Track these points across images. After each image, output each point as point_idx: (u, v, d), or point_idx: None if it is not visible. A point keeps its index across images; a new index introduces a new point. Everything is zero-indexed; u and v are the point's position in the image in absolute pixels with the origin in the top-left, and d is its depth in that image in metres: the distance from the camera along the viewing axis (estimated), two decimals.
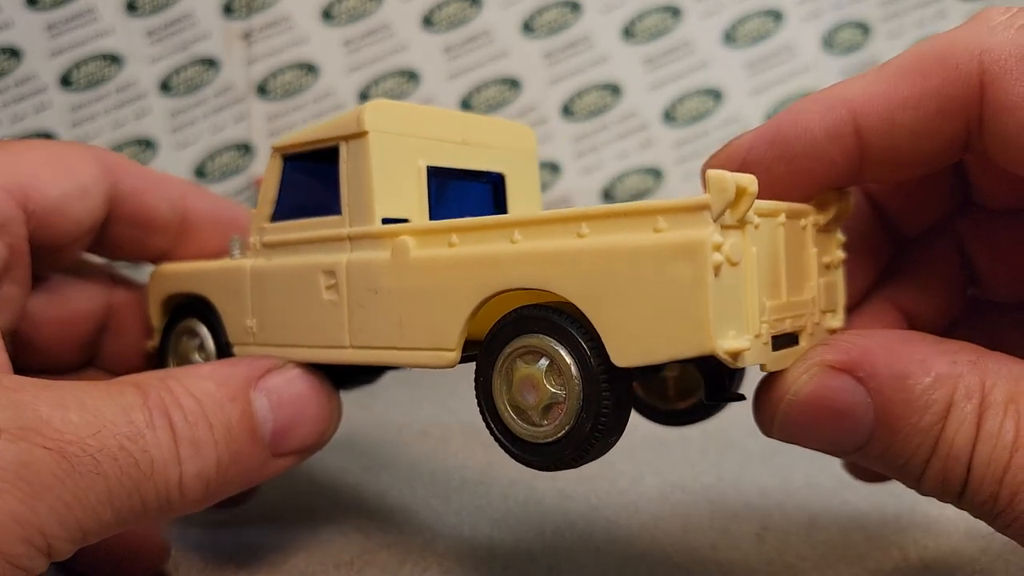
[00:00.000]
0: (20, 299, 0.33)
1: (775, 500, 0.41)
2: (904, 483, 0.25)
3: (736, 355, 0.23)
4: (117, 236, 0.35)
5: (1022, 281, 0.33)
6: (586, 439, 0.24)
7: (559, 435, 0.25)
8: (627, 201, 0.32)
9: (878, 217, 0.33)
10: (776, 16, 0.85)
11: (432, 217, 0.30)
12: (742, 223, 0.23)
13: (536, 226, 0.25)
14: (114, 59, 0.79)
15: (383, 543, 0.36)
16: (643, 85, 0.87)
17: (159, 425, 0.27)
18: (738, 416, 0.34)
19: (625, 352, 0.23)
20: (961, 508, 0.24)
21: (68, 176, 0.33)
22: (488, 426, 0.26)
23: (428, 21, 0.82)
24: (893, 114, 0.27)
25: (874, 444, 0.24)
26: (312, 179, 0.31)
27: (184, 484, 0.27)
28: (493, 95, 0.84)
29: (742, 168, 0.29)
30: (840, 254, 0.29)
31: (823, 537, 0.37)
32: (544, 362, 0.25)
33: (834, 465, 0.45)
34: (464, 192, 0.31)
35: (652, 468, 0.45)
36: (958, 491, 0.24)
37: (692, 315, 0.22)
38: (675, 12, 0.85)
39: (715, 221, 0.23)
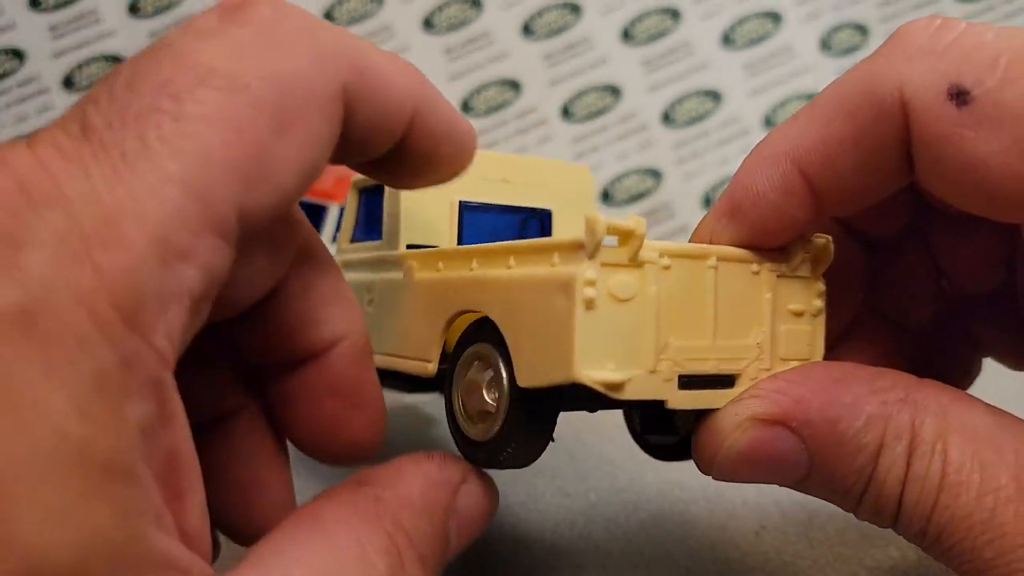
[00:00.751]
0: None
1: (773, 499, 0.41)
2: (840, 508, 0.26)
3: (612, 386, 0.24)
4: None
5: (985, 275, 0.34)
6: (500, 450, 0.27)
7: (483, 438, 0.27)
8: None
9: (846, 233, 0.33)
10: (775, 18, 0.86)
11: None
12: (636, 262, 0.24)
13: (484, 256, 0.28)
14: (117, 61, 0.79)
15: None
16: (642, 86, 0.87)
17: (410, 562, 0.24)
18: None
19: (524, 374, 0.25)
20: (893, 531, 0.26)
21: (299, 165, 0.22)
22: (447, 411, 0.29)
23: (429, 23, 0.83)
24: (833, 159, 0.27)
25: (813, 479, 0.26)
26: (373, 209, 0.37)
27: None
28: (493, 96, 0.84)
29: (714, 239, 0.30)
30: (818, 303, 0.28)
31: (821, 535, 0.37)
32: (489, 373, 0.27)
33: None
34: (504, 225, 0.34)
35: (651, 466, 0.45)
36: (890, 522, 0.25)
37: (563, 345, 0.24)
38: (674, 14, 0.85)
39: (590, 259, 0.24)
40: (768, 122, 0.88)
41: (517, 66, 0.84)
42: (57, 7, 0.78)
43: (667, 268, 0.25)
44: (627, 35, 0.85)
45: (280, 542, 0.22)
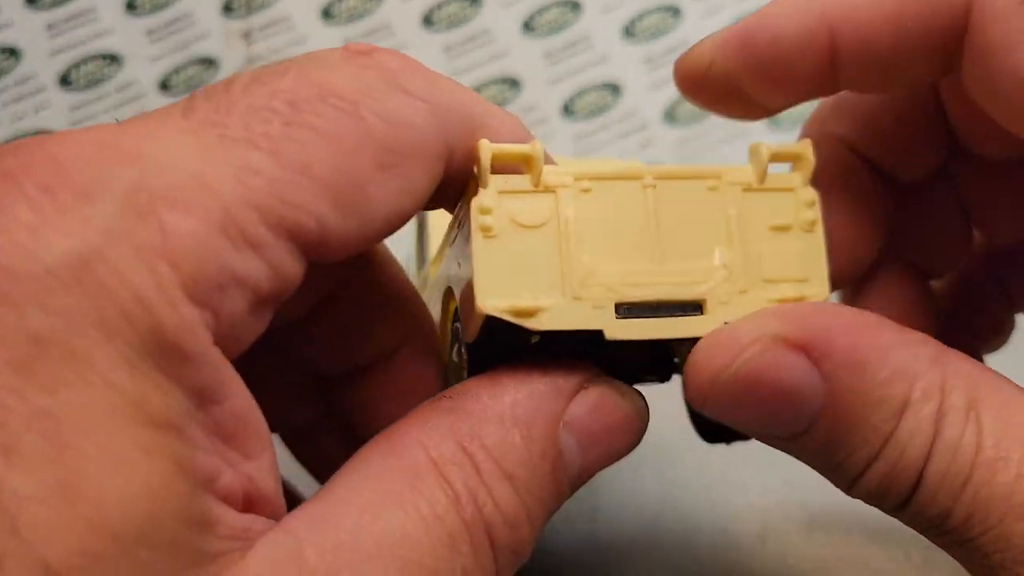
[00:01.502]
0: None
1: (777, 500, 0.41)
2: (832, 481, 0.23)
3: (522, 313, 0.23)
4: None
5: (1020, 225, 0.32)
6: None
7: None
8: None
9: (870, 172, 0.32)
10: None
11: None
12: (543, 187, 0.24)
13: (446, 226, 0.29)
14: (114, 59, 0.79)
15: None
16: (643, 84, 0.87)
17: (481, 549, 0.21)
18: None
19: (464, 325, 0.25)
20: (895, 516, 0.23)
21: (396, 206, 0.22)
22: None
23: (428, 21, 0.82)
24: (870, 32, 0.25)
25: (814, 434, 0.22)
26: None
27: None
28: (493, 95, 0.84)
29: (707, 75, 0.28)
30: (808, 215, 0.25)
31: (825, 537, 0.37)
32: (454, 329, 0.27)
33: None
34: None
35: (654, 467, 0.45)
36: (901, 501, 0.22)
37: (471, 280, 0.23)
38: (675, 12, 0.85)
39: (484, 187, 0.23)
40: (770, 120, 0.87)
41: (517, 64, 0.84)
42: (53, 5, 0.77)
43: (587, 191, 0.24)
44: (628, 33, 0.85)
45: (346, 472, 0.21)
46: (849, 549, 0.35)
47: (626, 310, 0.24)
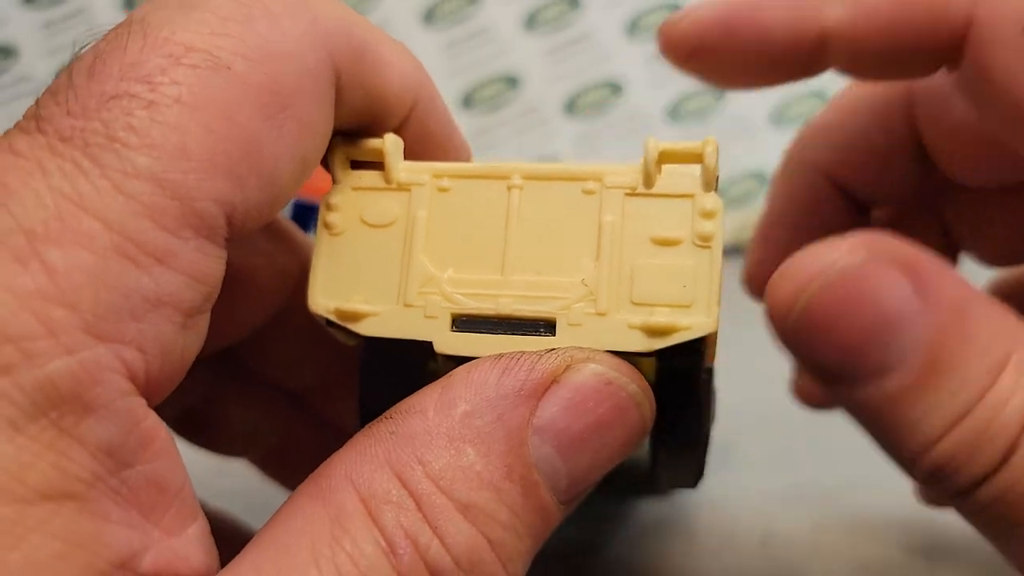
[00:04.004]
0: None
1: (779, 504, 0.40)
2: (896, 448, 0.19)
3: (346, 316, 0.22)
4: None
5: (1004, 253, 0.31)
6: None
7: None
8: None
9: (846, 202, 0.31)
10: None
11: None
12: (397, 185, 0.23)
13: None
14: None
15: None
16: (646, 83, 0.87)
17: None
18: (742, 419, 0.34)
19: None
20: (960, 502, 0.19)
21: (289, 142, 0.20)
22: None
23: (428, 18, 0.82)
24: (864, 37, 0.25)
25: (896, 376, 0.18)
26: None
27: None
28: (494, 93, 0.84)
29: (695, 50, 0.27)
30: (707, 227, 0.21)
31: (828, 540, 0.36)
32: None
33: (839, 468, 0.44)
34: None
35: None
36: (984, 473, 0.18)
37: None
38: (678, 9, 0.85)
39: (335, 183, 0.23)
40: (773, 119, 0.87)
41: (518, 62, 0.84)
42: (51, 4, 0.77)
43: (445, 190, 0.22)
44: (629, 31, 0.85)
45: (271, 525, 0.19)
46: (852, 552, 0.34)
47: (463, 323, 0.21)
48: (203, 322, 0.19)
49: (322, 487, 0.18)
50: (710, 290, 0.21)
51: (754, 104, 0.88)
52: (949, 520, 0.37)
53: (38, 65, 0.78)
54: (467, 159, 0.26)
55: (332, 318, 0.22)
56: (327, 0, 0.21)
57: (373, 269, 0.22)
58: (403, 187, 0.23)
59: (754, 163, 0.91)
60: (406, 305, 0.22)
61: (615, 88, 0.86)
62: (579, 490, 0.20)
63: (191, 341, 0.19)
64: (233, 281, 0.22)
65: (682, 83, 0.89)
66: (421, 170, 0.23)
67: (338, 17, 0.20)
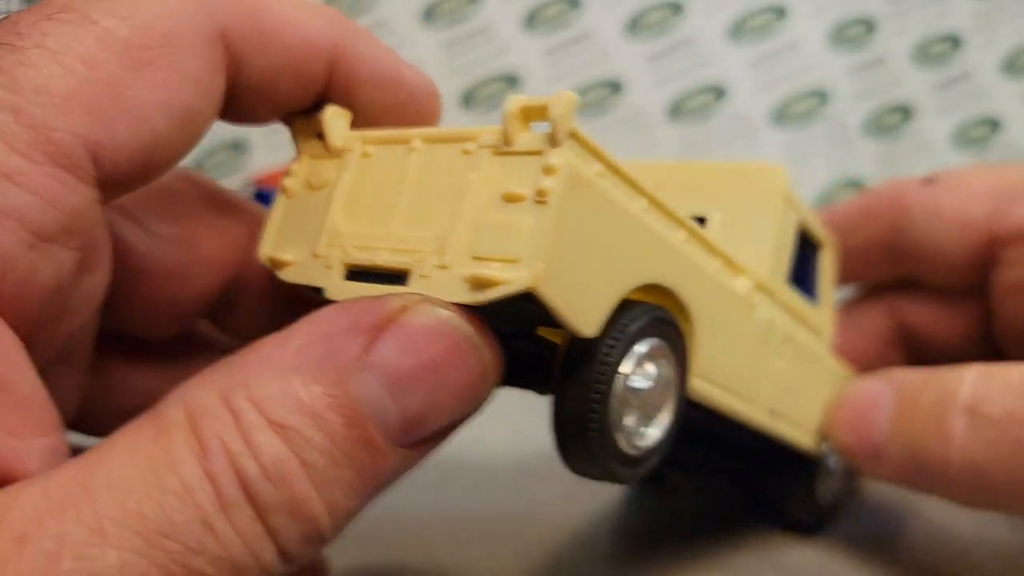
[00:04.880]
0: (102, 287, 0.24)
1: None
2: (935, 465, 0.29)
3: (275, 263, 0.25)
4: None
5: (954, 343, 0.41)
6: None
7: None
8: None
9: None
10: (780, 12, 0.85)
11: None
12: (334, 152, 0.25)
13: None
14: None
15: (383, 547, 0.36)
16: (646, 82, 0.86)
17: (232, 504, 0.18)
18: None
19: None
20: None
21: (162, 103, 0.21)
22: None
23: (428, 17, 0.82)
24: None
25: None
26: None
27: (289, 556, 0.19)
28: (494, 92, 0.84)
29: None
30: (546, 183, 0.20)
31: (827, 540, 0.36)
32: None
33: None
34: None
35: None
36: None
37: None
38: (677, 8, 0.85)
39: (297, 153, 0.26)
40: (775, 118, 0.87)
41: (518, 61, 0.84)
42: None
43: (368, 156, 0.24)
44: (630, 30, 0.85)
45: (114, 435, 0.19)
46: (851, 552, 0.35)
47: (354, 273, 0.23)
48: (63, 255, 0.20)
49: (158, 407, 0.19)
50: (538, 245, 0.20)
51: (755, 103, 0.88)
52: (949, 522, 0.38)
53: None
54: (427, 90, 0.27)
55: (268, 264, 0.25)
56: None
57: (304, 225, 0.24)
58: (338, 154, 0.25)
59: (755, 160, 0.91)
60: (315, 256, 0.24)
61: (616, 87, 0.86)
62: (418, 434, 0.20)
63: (44, 266, 0.19)
64: (184, 251, 0.25)
65: (681, 82, 0.89)
66: (355, 138, 0.25)
67: (249, 15, 0.22)
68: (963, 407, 0.28)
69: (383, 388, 0.19)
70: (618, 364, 0.22)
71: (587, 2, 0.83)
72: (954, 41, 0.87)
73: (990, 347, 0.39)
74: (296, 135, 0.26)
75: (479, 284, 0.20)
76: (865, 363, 0.38)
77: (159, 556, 0.17)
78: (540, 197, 0.20)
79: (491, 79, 0.83)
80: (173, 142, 0.21)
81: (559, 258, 0.20)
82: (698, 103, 0.86)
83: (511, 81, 0.83)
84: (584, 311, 0.21)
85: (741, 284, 0.27)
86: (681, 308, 0.24)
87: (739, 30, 0.85)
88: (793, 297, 0.31)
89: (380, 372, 0.19)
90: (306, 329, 0.20)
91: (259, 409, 0.18)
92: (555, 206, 0.20)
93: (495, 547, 0.36)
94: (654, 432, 0.23)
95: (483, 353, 0.21)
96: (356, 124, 0.26)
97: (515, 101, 0.21)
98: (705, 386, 0.25)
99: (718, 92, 0.86)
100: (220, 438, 0.18)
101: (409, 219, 0.22)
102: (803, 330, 0.32)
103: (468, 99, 0.83)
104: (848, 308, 0.43)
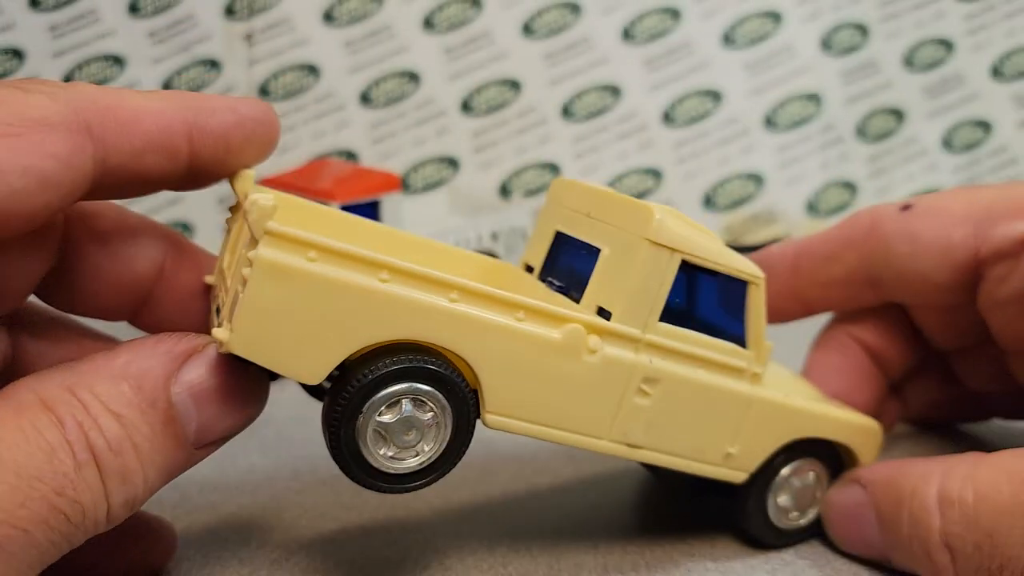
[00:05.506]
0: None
1: None
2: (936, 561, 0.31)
3: (208, 287, 0.33)
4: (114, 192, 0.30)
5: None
6: None
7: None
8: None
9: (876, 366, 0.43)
10: (775, 17, 0.86)
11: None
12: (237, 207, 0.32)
13: None
14: (117, 60, 0.79)
15: (384, 540, 0.36)
16: (643, 86, 0.87)
17: (85, 463, 0.24)
18: None
19: None
20: None
21: (22, 165, 0.25)
22: None
23: (429, 23, 0.83)
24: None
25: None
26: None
27: (112, 516, 0.25)
28: (493, 96, 0.84)
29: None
30: (247, 272, 0.26)
31: (821, 535, 0.37)
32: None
33: None
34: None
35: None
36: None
37: None
38: (674, 13, 0.85)
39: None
40: (768, 122, 0.88)
41: (517, 66, 0.84)
42: (57, 7, 0.78)
43: (235, 210, 0.32)
44: (627, 35, 0.85)
45: None
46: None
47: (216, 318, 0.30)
48: None
49: (6, 394, 0.24)
50: (236, 316, 0.26)
51: (749, 108, 0.88)
52: None
53: (44, 67, 0.78)
54: (265, 120, 0.31)
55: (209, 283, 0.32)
56: (85, 85, 0.27)
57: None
58: (235, 209, 0.32)
59: (749, 164, 0.91)
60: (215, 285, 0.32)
61: (613, 91, 0.87)
62: (209, 439, 0.27)
63: None
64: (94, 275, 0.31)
65: (677, 86, 0.90)
66: (242, 196, 0.30)
67: (88, 91, 0.27)
68: (941, 544, 0.30)
69: (190, 400, 0.26)
70: (359, 404, 0.27)
71: (586, 8, 0.84)
72: (946, 45, 0.87)
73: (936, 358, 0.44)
74: (235, 190, 0.31)
75: (216, 337, 0.27)
76: (859, 403, 0.40)
77: (34, 492, 0.23)
78: (244, 281, 0.26)
79: (491, 83, 0.84)
80: (30, 199, 0.25)
81: (257, 326, 0.26)
82: (692, 108, 0.87)
83: (511, 84, 0.84)
84: (304, 364, 0.27)
85: (561, 331, 0.29)
86: (459, 358, 0.28)
87: (733, 35, 0.86)
88: (681, 335, 0.32)
89: (188, 387, 0.26)
90: (129, 350, 0.26)
91: (101, 401, 0.25)
92: (250, 290, 0.26)
93: (494, 538, 0.36)
94: (414, 460, 0.29)
95: (260, 384, 0.28)
96: (233, 165, 0.30)
97: (254, 199, 0.27)
98: (505, 420, 0.29)
99: (714, 96, 0.86)
100: (74, 416, 0.24)
101: (228, 273, 0.29)
102: (696, 366, 0.32)
103: (468, 104, 0.84)
104: (821, 349, 0.43)
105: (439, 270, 0.28)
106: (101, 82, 0.78)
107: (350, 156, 0.82)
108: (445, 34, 0.83)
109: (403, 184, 0.81)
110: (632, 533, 0.37)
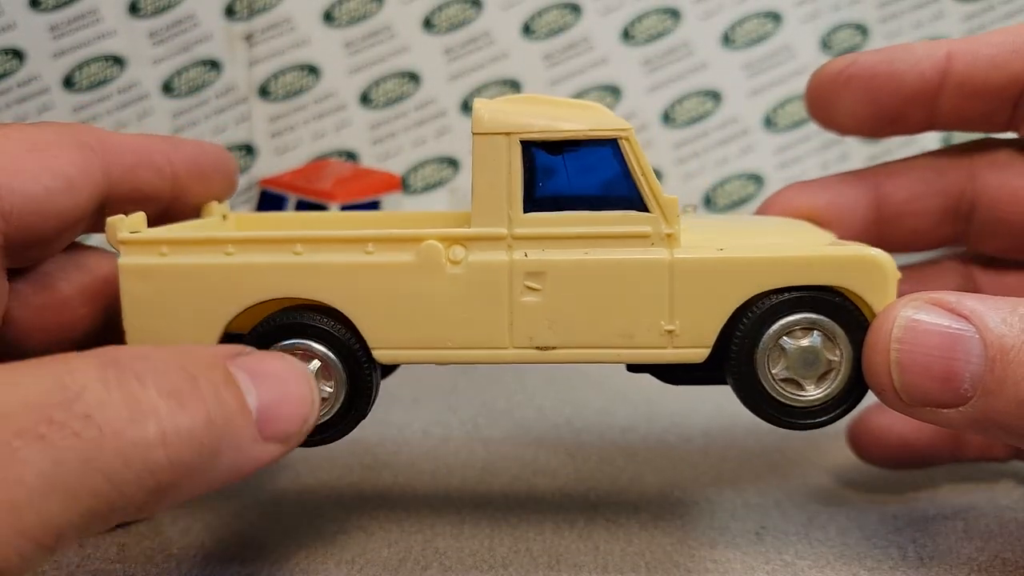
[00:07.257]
0: None
1: (774, 499, 0.41)
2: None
3: None
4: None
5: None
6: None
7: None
8: None
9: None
10: (775, 18, 0.86)
11: None
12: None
13: None
14: (117, 60, 0.79)
15: (384, 541, 0.36)
16: (642, 86, 0.87)
17: (110, 379, 0.22)
18: (739, 416, 0.34)
19: None
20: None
21: (50, 169, 0.31)
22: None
23: (429, 23, 0.83)
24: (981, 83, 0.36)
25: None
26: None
27: (169, 443, 0.22)
28: (494, 96, 0.84)
29: (841, 75, 0.38)
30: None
31: (821, 536, 0.37)
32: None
33: (832, 464, 0.45)
34: None
35: (652, 467, 0.45)
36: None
37: None
38: (674, 14, 0.85)
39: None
40: (768, 122, 0.88)
41: (517, 66, 0.84)
42: (57, 7, 0.78)
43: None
44: (627, 35, 0.85)
45: None
46: (845, 548, 0.35)
47: None
48: None
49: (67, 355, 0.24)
50: (123, 316, 0.31)
51: (749, 109, 0.88)
52: (941, 517, 0.38)
53: (44, 67, 0.78)
54: (222, 155, 0.39)
55: None
56: (78, 124, 0.34)
57: None
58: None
59: (749, 164, 0.91)
60: None
61: (613, 91, 0.87)
62: (281, 428, 0.26)
63: None
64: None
65: (677, 87, 0.90)
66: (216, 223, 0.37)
67: (82, 127, 0.34)
68: None
69: (247, 375, 0.26)
70: None
71: (586, 9, 0.84)
72: None
73: None
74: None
75: None
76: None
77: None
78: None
79: (491, 83, 0.84)
80: (62, 197, 0.31)
81: (139, 319, 0.31)
82: (692, 108, 0.87)
83: (511, 85, 0.84)
84: (191, 340, 0.31)
85: (414, 251, 0.30)
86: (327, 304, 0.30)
87: (732, 35, 0.86)
88: (555, 219, 0.30)
89: (243, 367, 0.26)
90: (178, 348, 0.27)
91: (148, 355, 0.24)
92: (123, 293, 0.31)
93: (494, 538, 0.37)
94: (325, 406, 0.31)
95: (312, 381, 0.29)
96: (204, 193, 0.38)
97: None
98: (393, 353, 0.31)
99: (714, 97, 0.86)
100: (114, 353, 0.24)
101: None
102: (584, 247, 0.30)
103: (468, 104, 0.84)
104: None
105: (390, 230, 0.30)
106: (101, 82, 0.79)
107: (350, 156, 0.82)
108: (445, 34, 0.83)
109: (403, 184, 0.81)
110: (632, 533, 0.37)
